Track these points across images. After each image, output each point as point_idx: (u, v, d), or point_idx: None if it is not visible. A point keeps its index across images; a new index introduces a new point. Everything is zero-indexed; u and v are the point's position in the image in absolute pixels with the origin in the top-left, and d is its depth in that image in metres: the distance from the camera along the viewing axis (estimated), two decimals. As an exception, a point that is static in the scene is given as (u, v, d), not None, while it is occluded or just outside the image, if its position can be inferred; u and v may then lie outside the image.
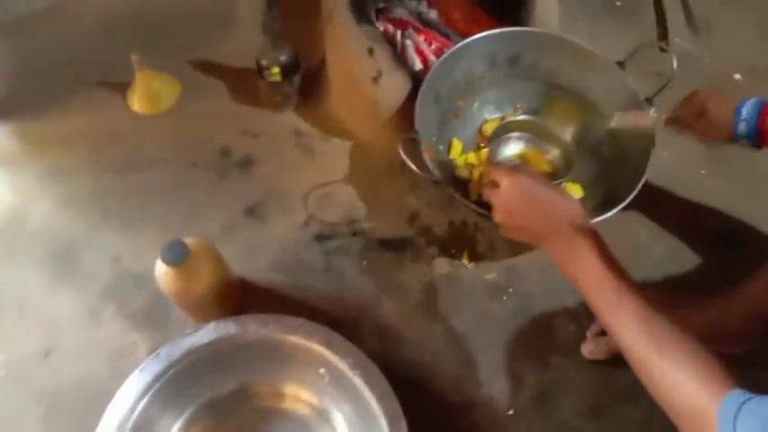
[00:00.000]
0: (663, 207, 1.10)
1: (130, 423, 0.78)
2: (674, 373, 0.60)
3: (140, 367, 0.81)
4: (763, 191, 1.13)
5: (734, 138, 0.84)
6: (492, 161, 0.90)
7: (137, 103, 1.16)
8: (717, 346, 0.92)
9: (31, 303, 0.99)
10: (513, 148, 1.09)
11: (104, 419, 0.78)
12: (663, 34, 1.32)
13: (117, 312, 0.98)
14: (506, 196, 0.76)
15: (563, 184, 1.02)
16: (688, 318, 0.92)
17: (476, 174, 1.02)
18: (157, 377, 0.81)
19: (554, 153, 1.07)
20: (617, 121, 0.99)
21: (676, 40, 1.31)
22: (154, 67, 1.15)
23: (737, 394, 0.55)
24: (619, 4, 1.37)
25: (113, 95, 1.18)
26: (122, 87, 1.18)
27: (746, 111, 0.81)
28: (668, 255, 1.06)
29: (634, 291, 0.66)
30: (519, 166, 0.79)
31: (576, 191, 1.03)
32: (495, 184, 0.79)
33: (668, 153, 1.12)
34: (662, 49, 1.24)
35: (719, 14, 1.36)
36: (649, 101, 0.98)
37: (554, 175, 1.04)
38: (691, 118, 0.88)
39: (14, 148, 1.14)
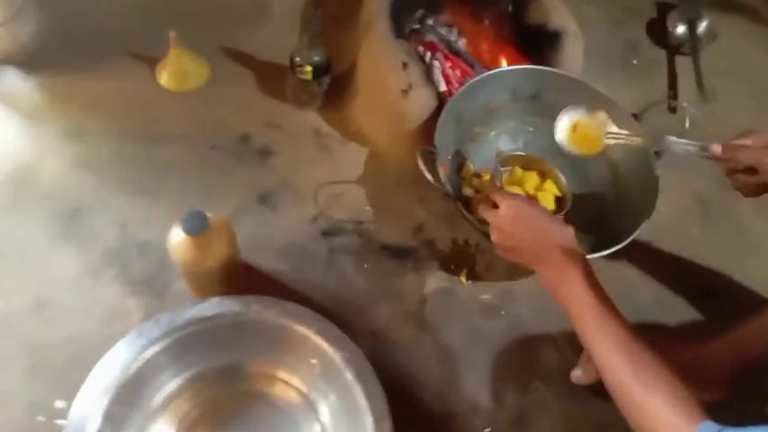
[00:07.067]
0: (654, 256, 1.14)
1: (118, 383, 0.79)
2: (650, 398, 0.64)
3: (137, 330, 0.82)
4: (748, 253, 1.18)
5: None
6: (495, 184, 0.94)
7: (165, 78, 1.19)
8: (694, 389, 0.96)
9: (32, 256, 0.99)
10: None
11: (92, 376, 0.79)
12: (673, 96, 1.38)
13: (116, 276, 0.99)
14: (503, 217, 0.81)
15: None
16: (678, 350, 0.94)
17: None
18: (152, 342, 0.82)
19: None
20: (671, 143, 0.95)
21: (684, 104, 1.37)
22: (187, 46, 1.18)
23: (709, 426, 0.59)
24: (635, 62, 1.44)
25: (143, 67, 1.21)
26: (152, 62, 1.21)
27: None
28: (654, 301, 1.10)
29: (617, 318, 0.71)
30: (519, 195, 0.87)
31: None
32: (493, 205, 0.84)
33: (665, 208, 1.18)
34: (671, 110, 1.30)
35: (726, 85, 1.43)
36: (657, 155, 1.03)
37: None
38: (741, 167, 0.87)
39: (39, 103, 1.15)
